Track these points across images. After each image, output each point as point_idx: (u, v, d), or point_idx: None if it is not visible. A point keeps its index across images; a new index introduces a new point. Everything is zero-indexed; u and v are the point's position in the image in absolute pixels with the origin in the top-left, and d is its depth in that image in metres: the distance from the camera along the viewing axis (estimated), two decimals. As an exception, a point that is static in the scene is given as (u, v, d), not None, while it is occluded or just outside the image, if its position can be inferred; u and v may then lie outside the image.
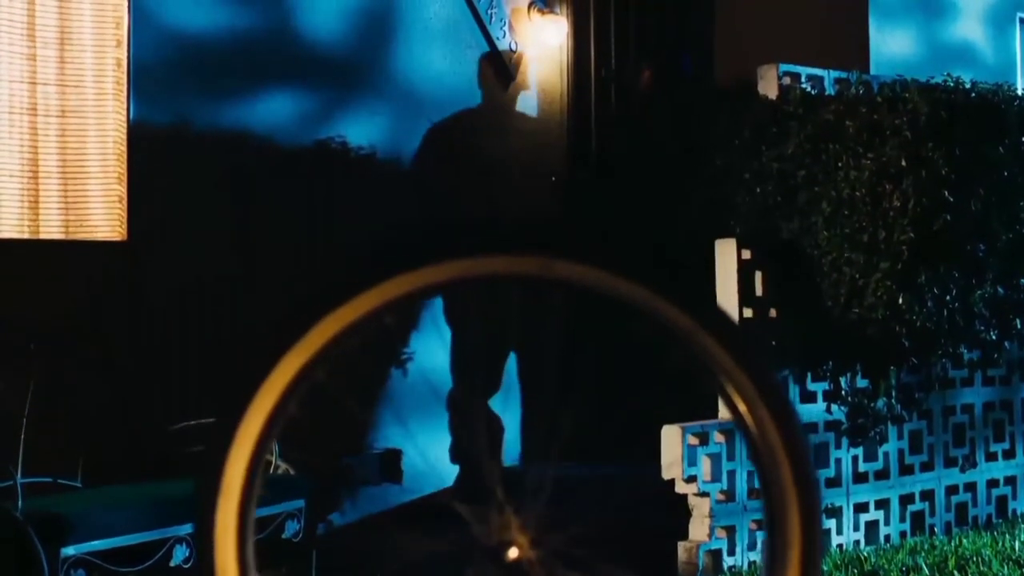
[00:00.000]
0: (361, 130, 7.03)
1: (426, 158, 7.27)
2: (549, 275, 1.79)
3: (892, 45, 8.05)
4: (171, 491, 5.05)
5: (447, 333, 7.27)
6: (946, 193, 5.88)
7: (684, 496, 5.85)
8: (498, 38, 7.61)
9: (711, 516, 5.80)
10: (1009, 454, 7.14)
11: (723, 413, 5.96)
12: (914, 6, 8.28)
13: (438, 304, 7.23)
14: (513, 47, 7.68)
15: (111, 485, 5.25)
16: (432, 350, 7.17)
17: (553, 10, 7.86)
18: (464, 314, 7.22)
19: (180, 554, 4.75)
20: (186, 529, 4.78)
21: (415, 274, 1.77)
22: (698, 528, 5.84)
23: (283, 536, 5.18)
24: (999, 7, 8.95)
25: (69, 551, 4.39)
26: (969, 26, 8.70)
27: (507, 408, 7.48)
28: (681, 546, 5.83)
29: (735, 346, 1.79)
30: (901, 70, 7.52)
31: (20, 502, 4.46)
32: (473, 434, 7.15)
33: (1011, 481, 7.14)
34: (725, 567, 5.86)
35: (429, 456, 7.17)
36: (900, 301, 5.88)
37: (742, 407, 1.80)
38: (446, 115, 7.38)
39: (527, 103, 7.78)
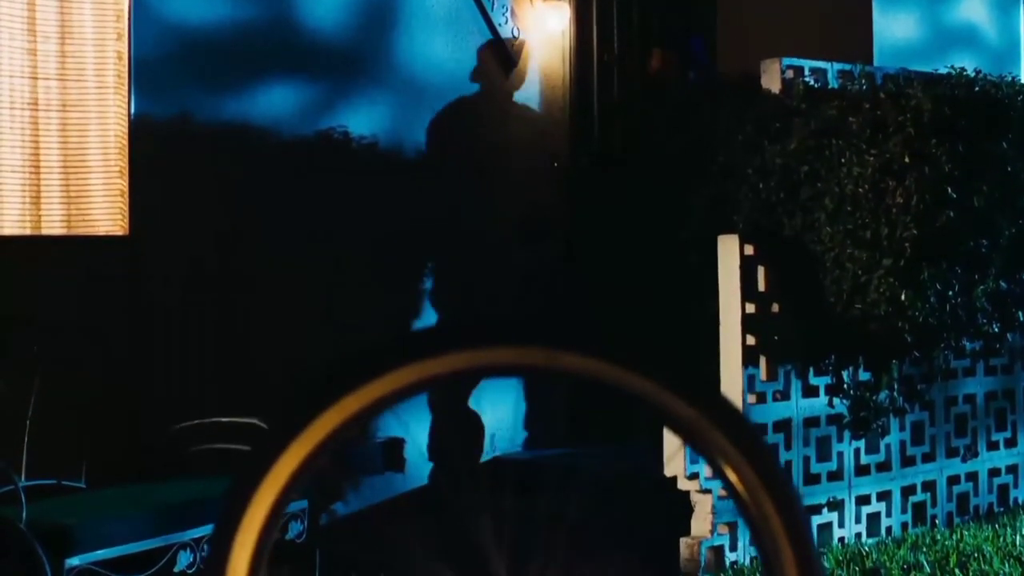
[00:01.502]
0: (363, 120, 7.01)
1: (431, 149, 7.26)
2: (553, 366, 1.79)
3: (896, 28, 8.01)
4: (175, 493, 5.07)
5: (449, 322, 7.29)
6: (949, 189, 5.87)
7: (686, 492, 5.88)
8: (500, 24, 7.58)
9: (713, 513, 5.82)
10: (1011, 443, 7.16)
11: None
12: (918, -13, 8.25)
13: (441, 294, 7.24)
14: (515, 34, 7.65)
15: (115, 487, 5.26)
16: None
17: (555, -4, 7.83)
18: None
19: (184, 560, 4.77)
20: (190, 535, 4.81)
21: (419, 365, 1.77)
22: (700, 524, 5.86)
23: (287, 537, 5.20)
24: (1004, -13, 8.91)
25: (74, 561, 4.41)
26: (973, 7, 8.66)
27: (511, 397, 7.50)
28: (683, 542, 5.85)
29: (738, 436, 1.79)
30: (905, 53, 7.50)
31: (24, 511, 4.46)
32: (448, 433, 7.16)
33: (1012, 470, 7.17)
34: (727, 563, 5.89)
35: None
36: (902, 297, 5.87)
37: (745, 496, 1.81)
38: (447, 103, 7.36)
39: (529, 90, 7.76)
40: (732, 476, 1.80)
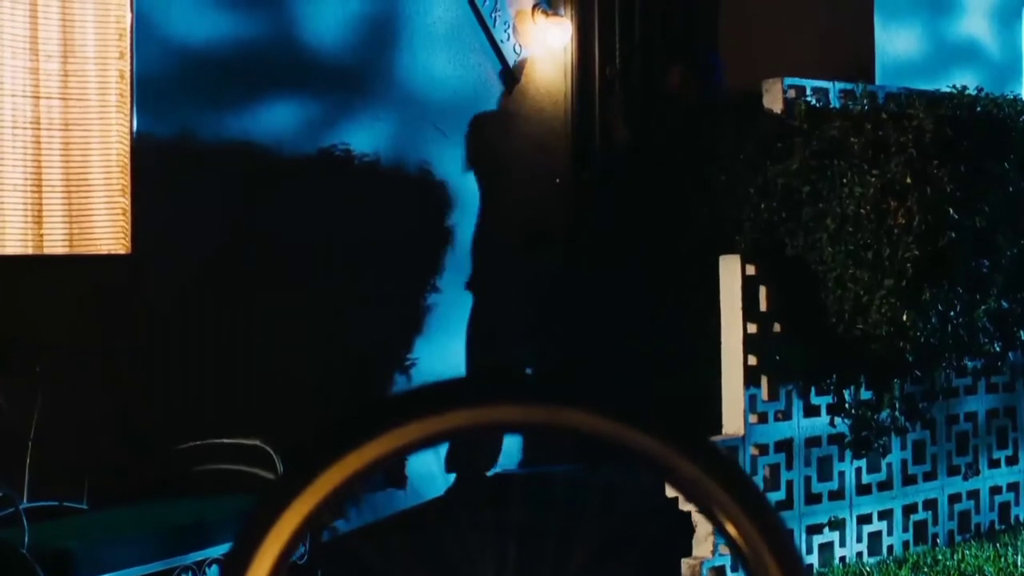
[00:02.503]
0: (365, 137, 7.02)
1: (433, 165, 7.27)
2: (557, 423, 1.80)
3: (898, 44, 8.02)
4: (178, 515, 5.07)
5: (451, 339, 7.29)
6: (951, 210, 5.87)
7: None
8: (502, 41, 7.59)
9: (714, 534, 5.82)
10: (1012, 460, 7.16)
11: (727, 429, 5.98)
12: (920, 1, 8.25)
13: (444, 311, 7.25)
14: (517, 50, 7.65)
15: (118, 508, 5.26)
16: (436, 356, 7.18)
17: (557, 12, 7.83)
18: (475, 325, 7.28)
19: (186, 583, 4.77)
20: (192, 557, 4.81)
21: (421, 424, 1.78)
22: (702, 545, 5.86)
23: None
24: (1005, 1, 8.91)
25: (76, 586, 4.41)
26: (975, 21, 8.66)
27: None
28: (685, 563, 5.85)
29: (739, 493, 1.80)
30: (907, 68, 7.50)
31: (26, 536, 4.46)
32: (466, 445, 7.17)
33: (1014, 487, 7.16)
34: (728, 583, 5.89)
35: (433, 461, 7.19)
36: (904, 317, 5.87)
37: (747, 552, 1.81)
38: (449, 119, 7.37)
39: (531, 106, 7.76)
40: (733, 532, 1.81)
